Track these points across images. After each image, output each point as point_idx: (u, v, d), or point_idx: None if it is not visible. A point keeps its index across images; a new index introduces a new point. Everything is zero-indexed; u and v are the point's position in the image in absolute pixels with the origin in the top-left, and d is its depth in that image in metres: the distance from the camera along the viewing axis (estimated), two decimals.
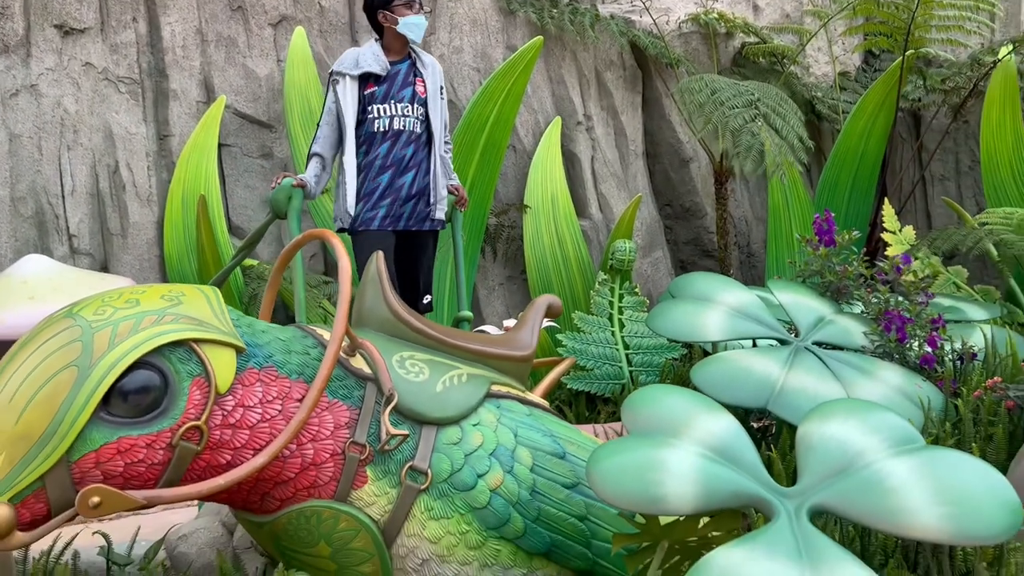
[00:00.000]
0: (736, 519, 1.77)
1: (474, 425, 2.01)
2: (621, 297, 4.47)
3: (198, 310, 1.80)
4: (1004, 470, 2.46)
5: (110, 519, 3.22)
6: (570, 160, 5.40)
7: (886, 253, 4.43)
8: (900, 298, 3.32)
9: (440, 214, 3.76)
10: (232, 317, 1.86)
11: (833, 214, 3.69)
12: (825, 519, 2.12)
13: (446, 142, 3.87)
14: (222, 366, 1.75)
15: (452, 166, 3.95)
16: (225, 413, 1.75)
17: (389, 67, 3.69)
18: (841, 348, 3.23)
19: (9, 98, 4.34)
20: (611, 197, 5.49)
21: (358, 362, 1.99)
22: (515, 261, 5.24)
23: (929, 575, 1.88)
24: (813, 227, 3.64)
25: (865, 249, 5.50)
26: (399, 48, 3.75)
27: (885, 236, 4.53)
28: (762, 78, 5.63)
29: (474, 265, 5.00)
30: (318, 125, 3.73)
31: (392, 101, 3.67)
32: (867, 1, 5.64)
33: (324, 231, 2.04)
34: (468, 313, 3.84)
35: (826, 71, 6.34)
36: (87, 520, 3.08)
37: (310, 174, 3.61)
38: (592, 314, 4.41)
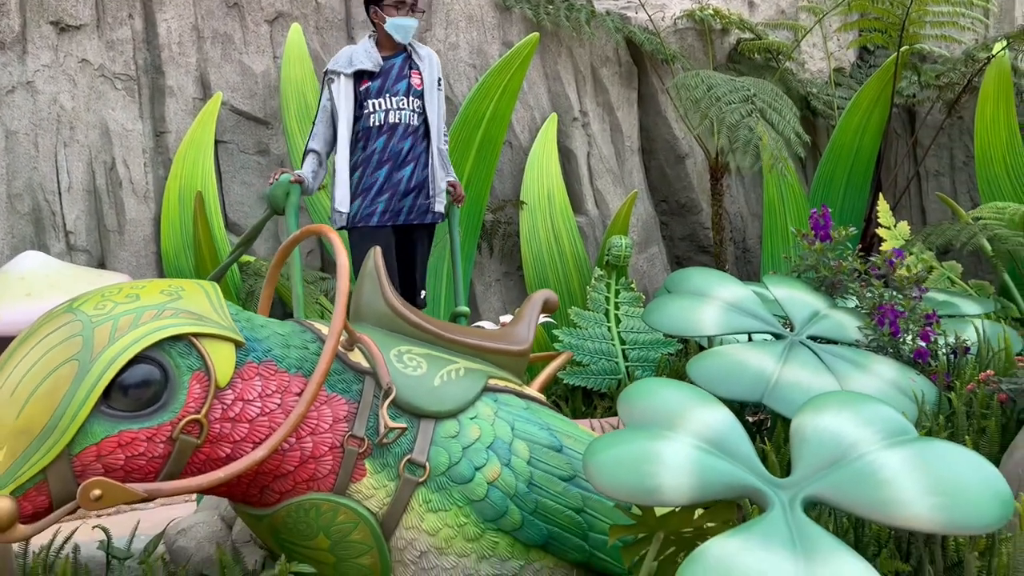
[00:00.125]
0: (731, 510, 1.79)
1: (472, 419, 2.03)
2: (617, 293, 4.48)
3: (198, 305, 1.82)
4: (997, 462, 2.49)
5: (109, 514, 3.24)
6: (566, 156, 5.41)
7: (881, 248, 4.45)
8: (894, 293, 3.34)
9: (439, 207, 3.76)
10: (231, 312, 1.88)
11: (830, 209, 3.71)
12: (819, 510, 2.14)
13: (444, 134, 3.88)
14: (222, 360, 1.77)
15: (450, 160, 3.95)
16: (225, 407, 1.77)
17: (382, 62, 3.71)
18: (835, 342, 3.26)
19: (5, 95, 4.34)
20: (607, 193, 5.50)
21: (356, 356, 2.01)
22: (511, 257, 5.26)
23: (921, 565, 1.90)
24: (809, 222, 3.66)
25: (860, 244, 5.52)
26: (393, 43, 3.76)
27: (880, 231, 4.56)
28: (757, 74, 5.64)
29: (471, 261, 5.01)
30: (313, 123, 3.75)
31: (387, 95, 3.68)
32: None
33: (322, 226, 2.05)
34: (465, 308, 3.85)
35: (821, 67, 6.36)
36: (87, 515, 3.09)
37: (307, 170, 3.62)
38: (588, 310, 4.43)
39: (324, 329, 2.01)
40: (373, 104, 3.67)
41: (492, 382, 2.15)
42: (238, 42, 4.84)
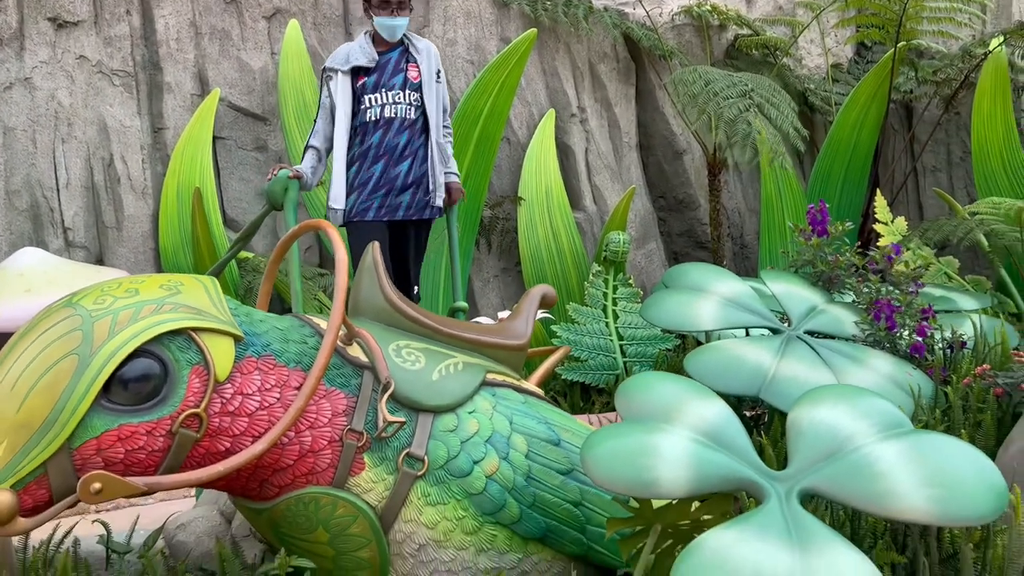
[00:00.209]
0: (728, 502, 1.80)
1: (470, 413, 2.04)
2: (615, 288, 4.49)
3: (197, 299, 1.83)
4: (993, 456, 2.50)
5: (109, 509, 3.24)
6: (564, 152, 5.41)
7: (878, 244, 4.46)
8: (890, 287, 3.35)
9: (438, 201, 3.76)
10: (230, 307, 1.88)
11: (827, 205, 3.72)
12: (816, 503, 2.15)
13: (445, 127, 3.86)
14: (221, 355, 1.78)
15: (453, 153, 3.92)
16: (224, 401, 1.77)
17: (378, 57, 3.71)
18: (832, 337, 3.27)
19: (3, 91, 4.34)
20: (605, 189, 5.51)
21: (355, 351, 2.01)
22: (510, 253, 5.27)
23: (916, 557, 1.91)
24: (807, 217, 3.67)
25: (857, 240, 5.53)
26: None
27: (877, 227, 4.56)
28: (755, 70, 5.65)
29: (469, 257, 5.02)
30: (314, 120, 3.77)
31: (383, 90, 3.68)
32: None
33: (320, 221, 2.06)
34: (463, 303, 3.86)
35: (819, 63, 6.36)
36: (87, 509, 3.10)
37: (306, 165, 3.64)
38: (586, 305, 4.43)
39: (322, 324, 2.02)
40: (369, 99, 3.68)
41: (490, 376, 2.16)
42: (236, 38, 4.84)
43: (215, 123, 4.69)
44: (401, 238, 3.78)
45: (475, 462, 1.97)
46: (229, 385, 1.79)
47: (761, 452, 2.44)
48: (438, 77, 3.78)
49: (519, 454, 2.02)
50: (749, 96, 4.71)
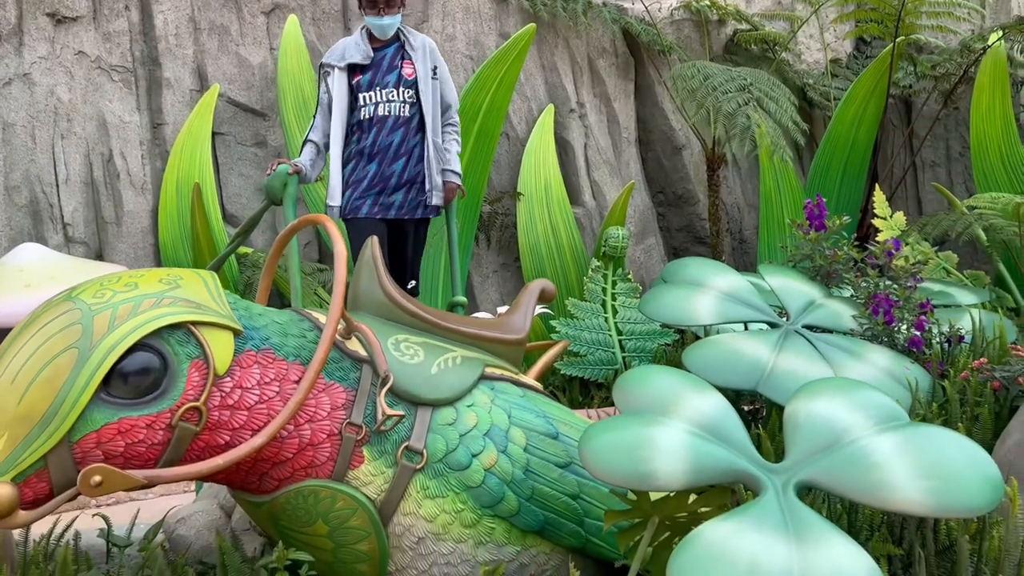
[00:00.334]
0: (725, 495, 1.80)
1: (468, 406, 2.05)
2: (614, 284, 4.50)
3: (196, 293, 1.83)
4: (990, 449, 2.51)
5: (109, 504, 3.26)
6: (563, 147, 5.41)
7: (877, 239, 4.47)
8: (889, 282, 3.36)
9: (435, 200, 3.72)
10: (229, 300, 1.89)
11: (824, 199, 3.72)
12: (814, 496, 2.16)
13: (451, 124, 3.80)
14: (220, 348, 1.78)
15: (456, 150, 3.81)
16: (223, 394, 1.78)
17: (372, 54, 3.68)
18: (830, 331, 3.27)
19: (2, 87, 4.34)
20: (604, 184, 5.51)
21: (354, 345, 2.02)
22: (509, 248, 5.27)
23: (913, 549, 1.92)
24: (804, 212, 3.68)
25: (856, 235, 5.54)
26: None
27: (876, 222, 4.57)
28: (754, 65, 5.65)
29: (468, 253, 5.02)
30: (312, 116, 3.77)
31: (377, 88, 3.67)
32: None
33: (319, 216, 2.06)
34: (462, 298, 3.86)
35: (817, 58, 6.36)
36: (87, 504, 3.11)
37: (305, 158, 3.64)
38: (585, 301, 4.44)
39: (321, 318, 2.02)
40: (364, 97, 3.66)
41: (489, 370, 2.16)
42: (235, 34, 4.84)
43: (214, 119, 4.69)
44: (399, 235, 3.77)
45: (474, 455, 1.98)
46: (228, 379, 1.79)
47: (759, 445, 2.45)
48: (434, 73, 3.72)
49: (517, 447, 2.03)
50: (748, 90, 4.71)
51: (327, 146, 3.72)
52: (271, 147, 4.88)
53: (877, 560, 1.87)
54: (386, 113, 3.66)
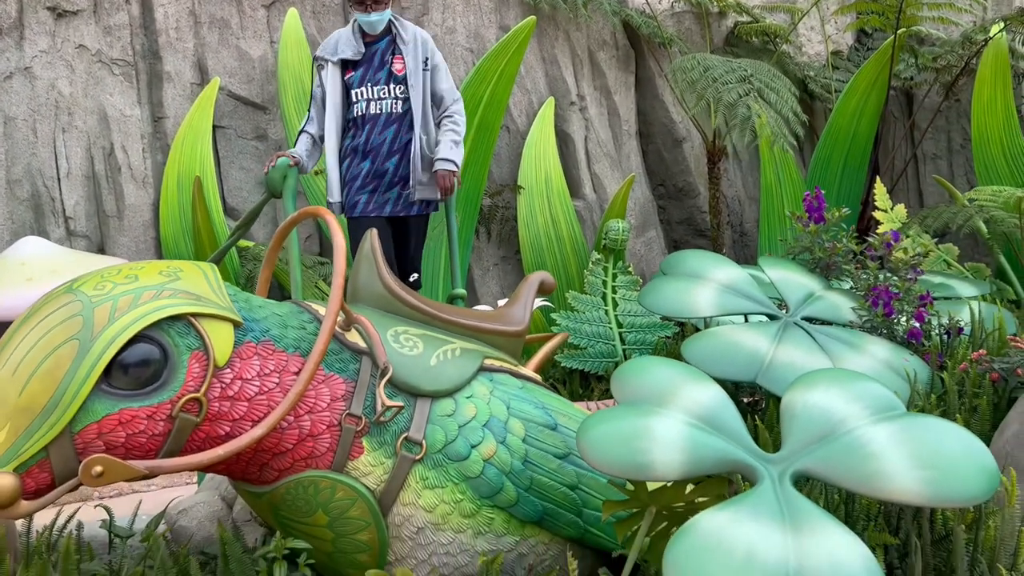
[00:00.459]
0: (722, 485, 1.81)
1: (468, 397, 2.06)
2: (614, 276, 4.50)
3: (196, 285, 1.84)
4: (988, 441, 2.51)
5: (111, 495, 3.27)
6: (563, 140, 5.41)
7: (877, 231, 4.47)
8: (888, 274, 3.36)
9: (419, 195, 3.65)
10: (229, 292, 1.90)
11: (823, 191, 3.72)
12: (811, 486, 2.17)
13: (446, 115, 3.73)
14: (220, 340, 1.79)
15: (451, 138, 3.69)
16: (224, 385, 1.79)
17: (364, 49, 3.65)
18: (830, 323, 3.28)
19: (3, 81, 4.35)
20: (604, 177, 5.51)
21: (353, 336, 2.03)
22: (509, 241, 5.28)
23: (909, 538, 1.93)
24: (803, 204, 3.68)
25: (857, 227, 5.54)
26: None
27: (877, 214, 4.57)
28: (755, 57, 5.64)
29: (468, 246, 5.03)
30: (307, 109, 3.76)
31: (368, 84, 3.64)
32: None
33: (319, 208, 2.07)
34: (462, 291, 3.86)
35: (818, 50, 6.35)
36: (89, 494, 3.13)
37: (301, 148, 3.63)
38: (586, 293, 4.45)
39: (321, 310, 2.03)
40: (356, 94, 3.65)
41: (488, 362, 2.17)
42: (235, 27, 4.84)
43: (215, 112, 4.70)
44: (400, 231, 3.77)
45: (473, 446, 1.99)
46: (228, 370, 1.80)
47: (757, 437, 2.46)
48: (425, 66, 3.66)
49: (516, 438, 2.04)
50: (748, 81, 4.71)
51: (322, 139, 3.71)
52: (272, 140, 4.89)
53: (873, 550, 1.88)
54: (378, 111, 3.63)
